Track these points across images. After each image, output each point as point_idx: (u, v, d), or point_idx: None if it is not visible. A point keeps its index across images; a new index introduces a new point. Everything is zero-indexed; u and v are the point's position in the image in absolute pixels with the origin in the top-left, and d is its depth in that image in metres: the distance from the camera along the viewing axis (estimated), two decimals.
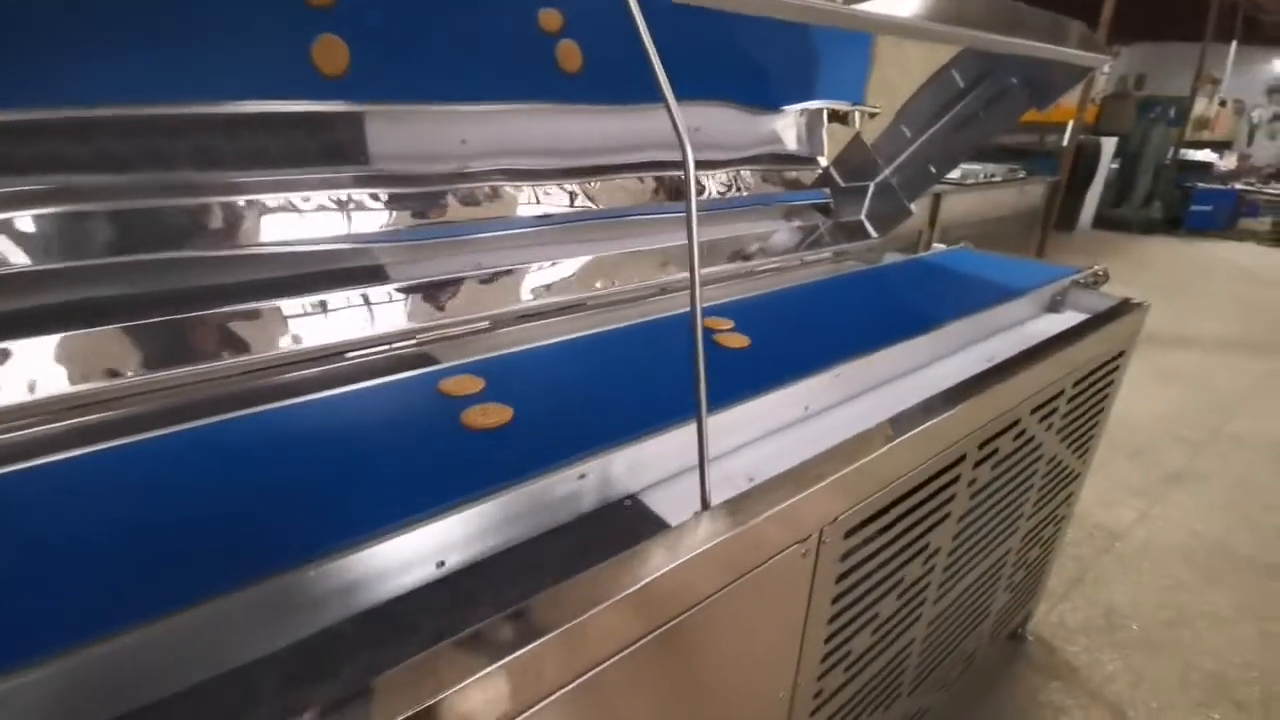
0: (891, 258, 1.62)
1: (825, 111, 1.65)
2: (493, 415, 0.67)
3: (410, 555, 0.52)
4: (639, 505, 0.63)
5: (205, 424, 0.67)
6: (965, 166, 4.71)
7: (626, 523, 0.60)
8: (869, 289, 1.27)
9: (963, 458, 0.85)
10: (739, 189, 1.55)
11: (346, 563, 0.49)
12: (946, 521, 0.88)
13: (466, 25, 0.97)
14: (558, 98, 1.13)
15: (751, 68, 1.46)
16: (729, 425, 0.72)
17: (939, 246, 1.63)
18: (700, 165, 1.44)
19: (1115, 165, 6.89)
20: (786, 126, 1.60)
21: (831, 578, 0.71)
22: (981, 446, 0.89)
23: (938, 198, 4.17)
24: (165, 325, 0.79)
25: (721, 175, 1.50)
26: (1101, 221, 6.94)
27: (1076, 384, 1.09)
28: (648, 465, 0.66)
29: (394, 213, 0.97)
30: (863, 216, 1.64)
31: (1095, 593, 1.73)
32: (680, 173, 1.42)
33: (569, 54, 1.10)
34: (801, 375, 0.79)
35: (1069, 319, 1.25)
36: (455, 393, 0.72)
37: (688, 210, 0.57)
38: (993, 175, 4.65)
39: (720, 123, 1.47)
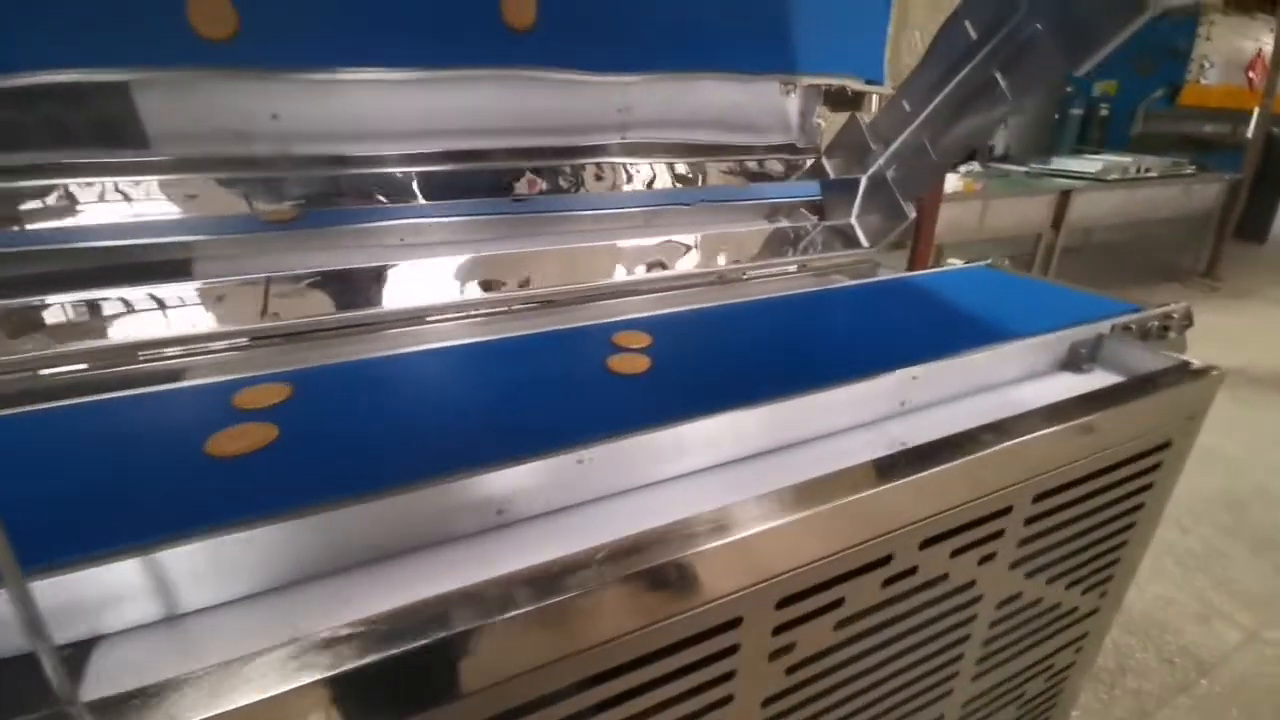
0: (885, 272, 1.24)
1: (823, 89, 1.29)
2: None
3: None
4: None
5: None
6: (1110, 158, 3.90)
7: None
8: (820, 313, 0.94)
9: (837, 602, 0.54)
10: (700, 180, 1.25)
11: None
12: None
13: None
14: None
15: (723, 27, 1.14)
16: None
17: (953, 262, 1.22)
18: (633, 150, 1.16)
19: None
20: (768, 103, 1.26)
21: None
22: (853, 576, 0.56)
23: (1065, 195, 3.46)
24: None
25: (677, 164, 1.21)
26: None
27: (1072, 491, 0.71)
28: None
29: None
30: (852, 219, 1.27)
31: None
32: (611, 159, 1.17)
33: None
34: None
35: (1092, 382, 0.84)
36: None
37: None
38: (1147, 169, 3.81)
39: (672, 97, 1.17)
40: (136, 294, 0.82)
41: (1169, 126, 4.97)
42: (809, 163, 1.32)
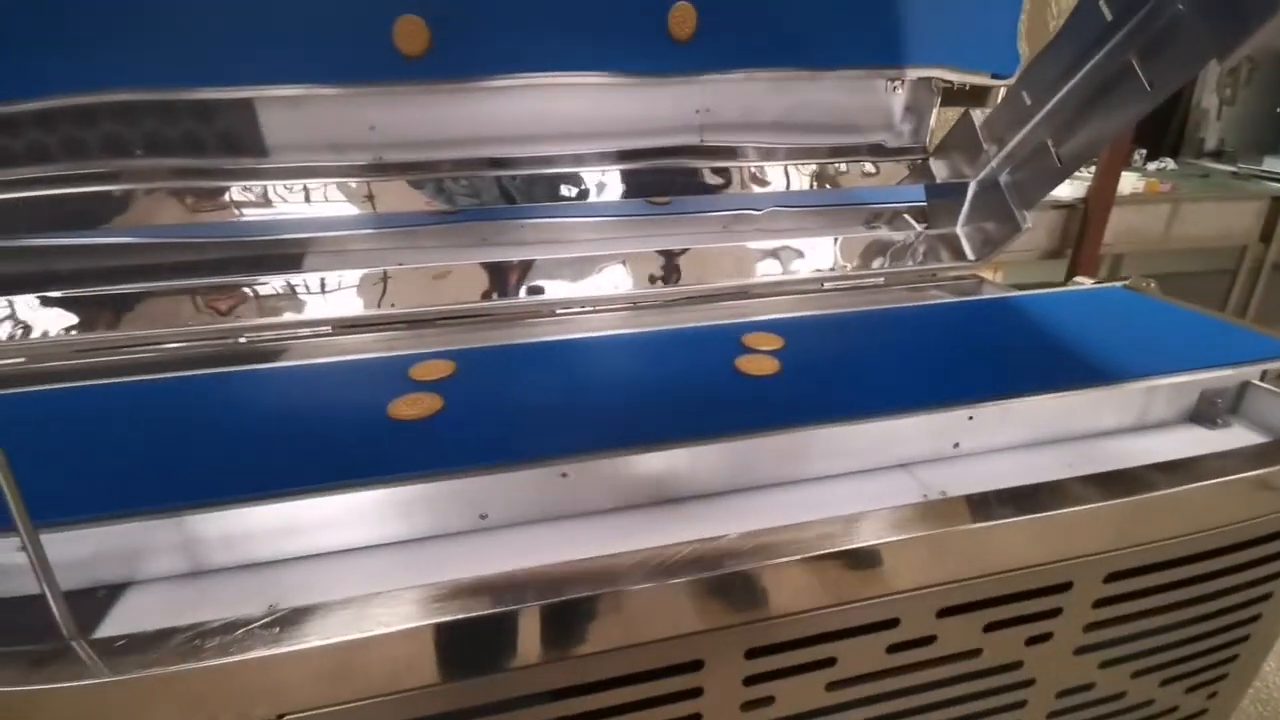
0: (993, 290, 1.10)
1: (937, 83, 1.16)
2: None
3: None
4: None
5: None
6: None
7: None
8: (885, 335, 0.84)
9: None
10: (786, 184, 1.18)
11: None
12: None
13: None
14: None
15: (819, 16, 1.07)
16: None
17: (1082, 281, 1.05)
18: (713, 154, 1.12)
19: None
20: (871, 101, 1.16)
21: None
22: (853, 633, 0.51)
23: (1278, 201, 2.86)
24: None
25: (769, 167, 1.15)
26: None
27: (1162, 574, 0.58)
28: None
29: None
30: (957, 229, 1.14)
31: None
32: (691, 162, 1.14)
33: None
34: None
35: (1219, 441, 0.68)
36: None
37: None
38: None
39: (756, 97, 1.12)
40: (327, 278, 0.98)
41: None
42: (916, 165, 1.19)
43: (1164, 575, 0.58)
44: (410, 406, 0.63)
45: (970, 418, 0.64)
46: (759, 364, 0.71)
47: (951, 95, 1.17)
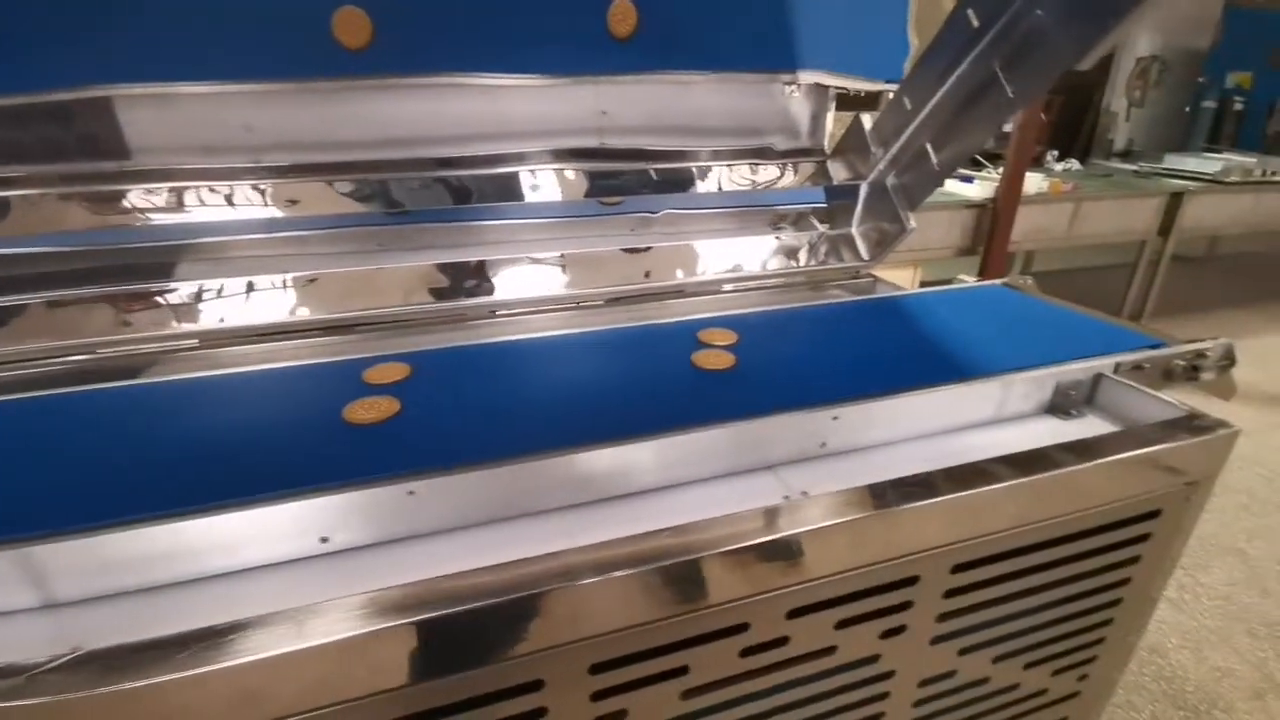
0: (886, 289, 1.13)
1: (832, 90, 1.18)
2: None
3: None
4: None
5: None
6: (1234, 157, 3.41)
7: None
8: (759, 337, 0.85)
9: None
10: (691, 186, 1.18)
11: None
12: None
13: None
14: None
15: (719, 22, 1.08)
16: None
17: (964, 280, 1.09)
18: (612, 156, 1.11)
19: None
20: (772, 104, 1.18)
21: None
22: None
23: (1176, 198, 3.06)
24: None
25: (674, 168, 1.15)
26: None
27: (1010, 562, 0.60)
28: None
29: None
30: (853, 230, 1.17)
31: None
32: (598, 164, 1.13)
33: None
34: None
35: (1070, 431, 0.72)
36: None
37: None
38: (1273, 172, 3.31)
39: (667, 96, 1.12)
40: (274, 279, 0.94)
41: None
42: (813, 168, 1.22)
43: (1010, 564, 0.60)
44: (366, 411, 0.64)
45: (835, 418, 0.65)
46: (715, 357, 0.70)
47: (846, 100, 1.20)
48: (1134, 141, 4.20)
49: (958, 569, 0.58)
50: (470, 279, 1.04)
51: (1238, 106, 4.24)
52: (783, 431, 0.64)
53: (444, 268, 1.03)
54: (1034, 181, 2.77)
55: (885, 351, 0.79)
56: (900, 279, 2.69)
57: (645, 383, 0.71)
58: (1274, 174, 3.31)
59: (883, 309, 0.94)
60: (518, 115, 1.04)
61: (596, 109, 1.08)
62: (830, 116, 1.21)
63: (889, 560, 0.54)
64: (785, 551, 0.50)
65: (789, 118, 1.19)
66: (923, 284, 2.79)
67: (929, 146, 0.99)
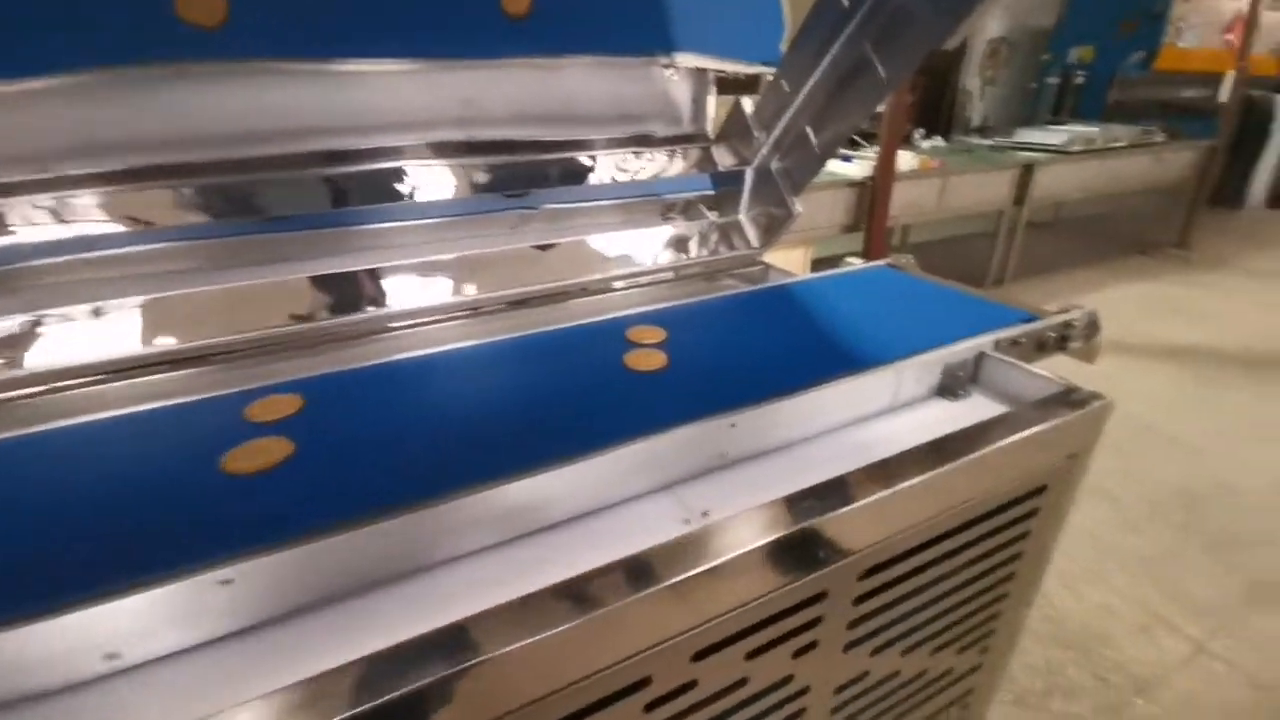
0: (778, 275, 1.12)
1: (711, 73, 1.15)
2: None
3: None
4: None
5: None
6: (1076, 128, 3.75)
7: None
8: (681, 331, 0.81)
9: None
10: (577, 176, 1.11)
11: None
12: None
13: None
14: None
15: (592, 3, 1.00)
16: None
17: (852, 261, 1.09)
18: (490, 149, 1.02)
19: None
20: (652, 89, 1.12)
21: None
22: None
23: (1028, 169, 3.32)
24: None
25: (538, 158, 1.07)
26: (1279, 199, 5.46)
27: (916, 558, 0.59)
28: None
29: None
30: (741, 217, 1.14)
31: None
32: (478, 159, 1.03)
33: None
34: None
35: (962, 413, 0.72)
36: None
37: None
38: (1115, 139, 3.67)
39: (537, 82, 1.03)
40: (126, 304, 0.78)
41: (1146, 93, 4.83)
42: (698, 154, 1.18)
43: (914, 560, 0.59)
44: (250, 457, 0.54)
45: (733, 425, 0.61)
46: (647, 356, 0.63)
47: (727, 84, 1.17)
48: (988, 118, 4.52)
49: (865, 575, 0.56)
50: (356, 290, 0.92)
51: (1079, 80, 4.66)
52: (680, 446, 0.59)
53: (323, 280, 0.90)
54: (906, 159, 2.91)
55: (794, 346, 0.76)
56: (793, 259, 2.76)
57: (579, 392, 0.66)
58: (1114, 141, 3.66)
59: (766, 300, 0.92)
60: (390, 105, 0.93)
61: (466, 97, 0.99)
62: (712, 101, 1.18)
63: (798, 580, 0.51)
64: (686, 594, 0.45)
65: (669, 103, 1.15)
66: (814, 262, 2.88)
67: (809, 129, 0.97)
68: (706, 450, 0.61)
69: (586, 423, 0.59)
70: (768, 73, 1.08)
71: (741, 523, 0.50)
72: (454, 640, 0.39)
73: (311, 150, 0.89)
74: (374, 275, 0.93)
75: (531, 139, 1.04)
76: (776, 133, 1.02)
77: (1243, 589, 1.55)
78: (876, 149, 2.73)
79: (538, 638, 0.40)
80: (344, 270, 0.91)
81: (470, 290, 0.99)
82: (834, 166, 2.89)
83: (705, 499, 0.58)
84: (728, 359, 0.73)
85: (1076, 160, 3.49)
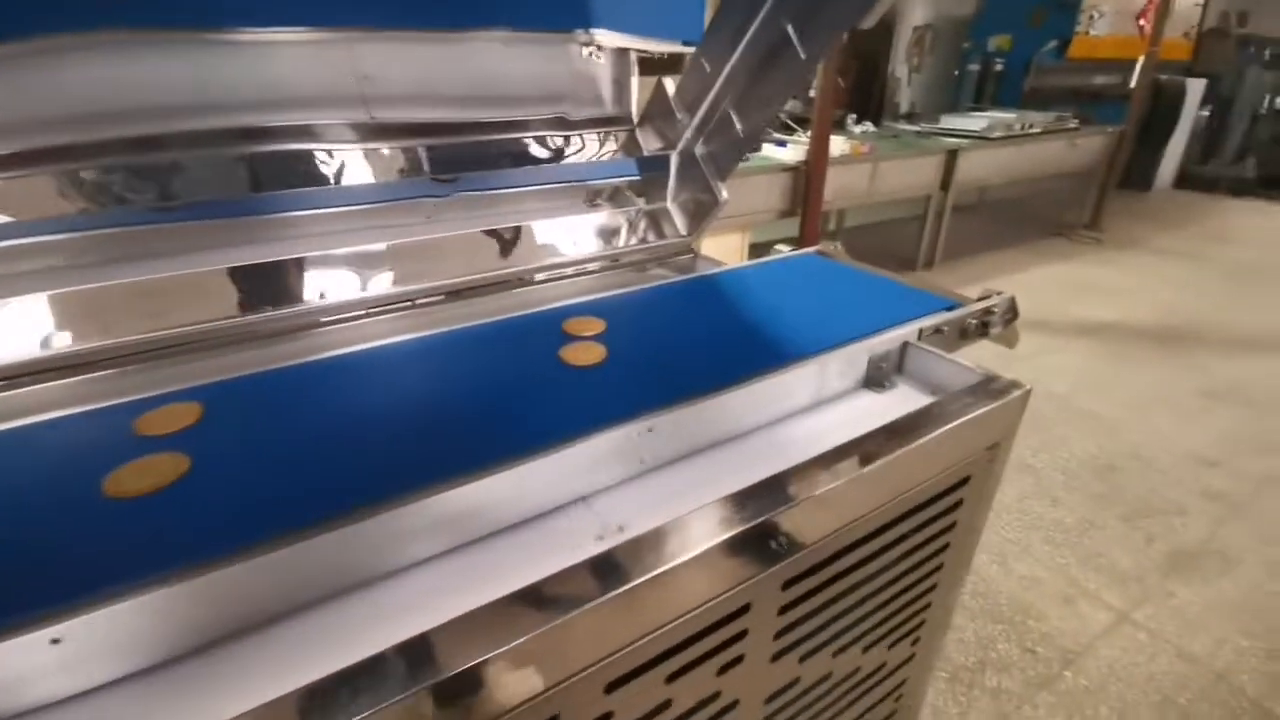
0: (706, 264, 1.08)
1: (633, 52, 1.09)
2: None
3: None
4: None
5: None
6: (995, 114, 3.89)
7: None
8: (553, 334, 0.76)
9: None
10: (490, 160, 1.04)
11: None
12: None
13: None
14: None
15: None
16: None
17: (781, 249, 1.07)
18: (384, 133, 0.94)
19: (1205, 114, 5.73)
20: (571, 68, 1.06)
21: None
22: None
23: (952, 155, 3.41)
24: None
25: (456, 141, 0.99)
26: (1185, 180, 5.84)
27: (839, 562, 0.57)
28: None
29: None
30: (668, 204, 1.10)
31: None
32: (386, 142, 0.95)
33: None
34: None
35: (887, 405, 0.70)
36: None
37: None
38: (1031, 125, 3.82)
39: (445, 59, 0.95)
40: None
41: (1060, 80, 5.05)
42: (623, 137, 1.13)
43: (839, 563, 0.57)
44: (137, 476, 0.48)
45: (649, 429, 0.57)
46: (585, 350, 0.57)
47: (649, 64, 1.12)
48: (915, 104, 4.64)
49: (789, 583, 0.53)
50: (261, 285, 0.83)
51: (998, 67, 4.82)
52: (594, 454, 0.54)
53: (222, 274, 0.81)
54: (838, 144, 2.94)
55: (728, 338, 0.73)
56: (730, 243, 2.75)
57: (511, 392, 0.61)
58: (1030, 127, 3.80)
59: (714, 288, 0.89)
60: (287, 79, 0.85)
61: (361, 73, 0.91)
62: (635, 82, 1.12)
63: (718, 596, 0.48)
64: (597, 622, 0.41)
65: (588, 82, 1.09)
66: (751, 247, 2.88)
67: (732, 113, 0.93)
68: (623, 457, 0.57)
69: (517, 428, 0.55)
70: (689, 52, 1.04)
71: (658, 539, 0.46)
72: (317, 705, 0.34)
73: (199, 129, 0.80)
74: (279, 268, 0.84)
75: (440, 120, 0.97)
76: (700, 115, 0.98)
77: (1162, 558, 1.63)
78: (809, 134, 2.74)
79: (424, 685, 0.35)
80: (245, 264, 0.83)
81: (385, 283, 0.92)
82: (769, 151, 2.89)
83: (622, 511, 0.54)
84: (664, 353, 0.70)
85: (996, 146, 3.61)
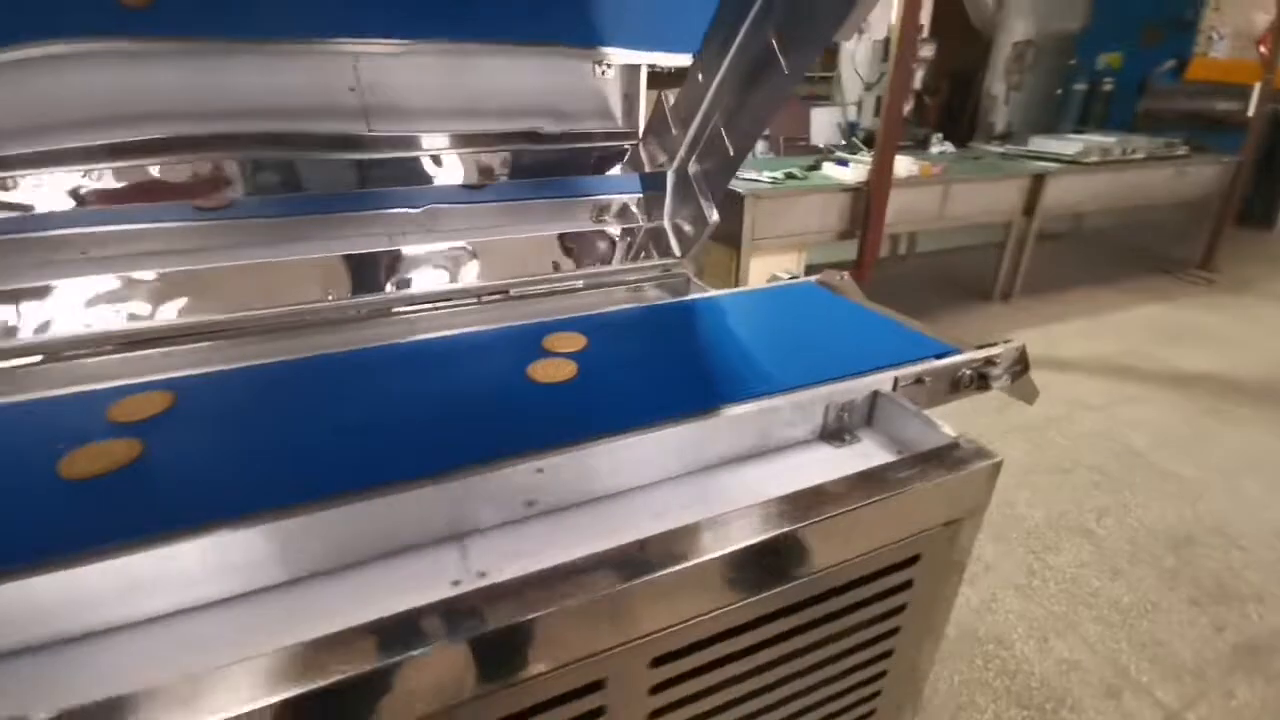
0: (699, 287, 1.02)
1: (644, 68, 1.05)
2: None
3: None
4: None
5: None
6: (1093, 138, 3.57)
7: None
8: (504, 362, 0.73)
9: None
10: (489, 173, 1.03)
11: None
12: None
13: None
14: None
15: None
16: None
17: (780, 277, 1.00)
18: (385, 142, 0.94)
19: None
20: (578, 82, 1.03)
21: None
22: None
23: (1039, 179, 3.16)
24: None
25: (460, 153, 0.99)
26: None
27: (736, 640, 0.50)
28: None
29: None
30: (665, 222, 1.05)
31: None
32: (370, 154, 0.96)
33: None
34: None
35: (843, 462, 0.62)
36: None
37: None
38: (1133, 150, 3.48)
39: (451, 71, 0.95)
40: None
41: (1178, 103, 4.60)
42: (626, 153, 1.09)
43: (730, 644, 0.50)
44: (91, 460, 0.51)
45: (539, 470, 0.52)
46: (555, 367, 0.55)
47: (658, 78, 1.08)
48: (1012, 124, 4.35)
49: (655, 662, 0.47)
50: (262, 283, 0.87)
51: (1107, 87, 4.46)
52: (476, 491, 0.51)
53: (225, 273, 0.85)
54: (904, 164, 2.78)
55: (694, 370, 0.70)
56: (785, 263, 2.65)
57: (468, 405, 0.62)
58: (1133, 152, 3.48)
59: (699, 314, 0.85)
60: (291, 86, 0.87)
61: (350, 83, 0.91)
62: (643, 96, 1.09)
63: (568, 665, 0.43)
64: (410, 676, 0.37)
65: (595, 96, 1.06)
66: (807, 268, 2.76)
67: (722, 130, 0.88)
68: (508, 497, 0.52)
69: (453, 441, 0.54)
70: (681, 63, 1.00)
71: (510, 590, 0.41)
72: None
73: (210, 133, 0.84)
74: (283, 269, 0.87)
75: (458, 131, 0.97)
76: (693, 129, 0.93)
77: (1229, 650, 1.41)
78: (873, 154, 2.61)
79: None
80: (244, 263, 0.86)
81: (378, 289, 0.94)
82: (829, 170, 2.77)
83: (492, 557, 0.49)
84: (630, 380, 0.67)
85: (1090, 171, 3.32)
